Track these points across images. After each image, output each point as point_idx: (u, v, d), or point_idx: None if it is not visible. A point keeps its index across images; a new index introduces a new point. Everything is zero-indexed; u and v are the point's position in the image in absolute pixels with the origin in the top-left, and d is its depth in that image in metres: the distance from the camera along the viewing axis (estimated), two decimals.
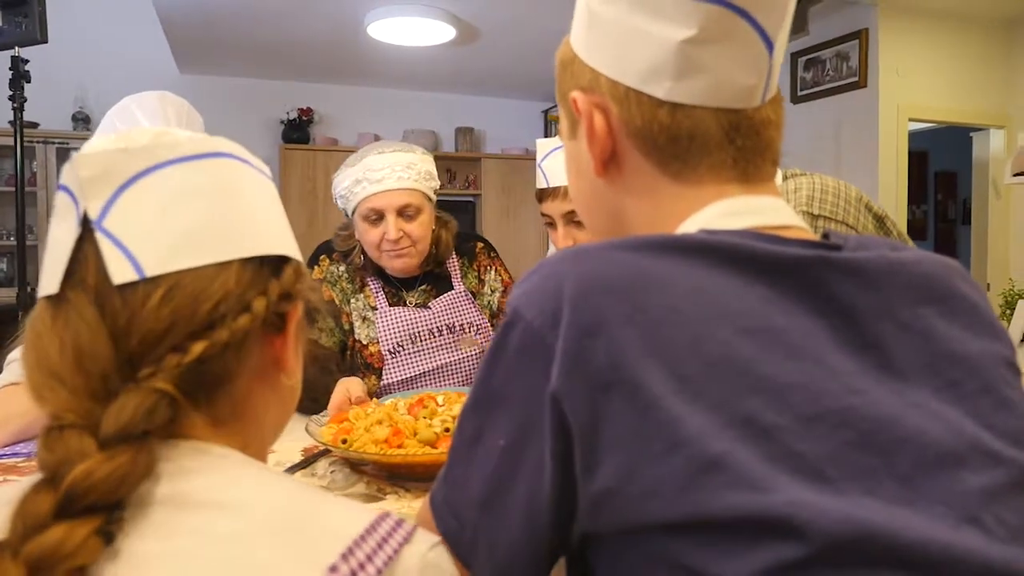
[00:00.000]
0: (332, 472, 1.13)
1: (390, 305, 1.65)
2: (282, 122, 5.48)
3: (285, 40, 4.55)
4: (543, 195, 1.42)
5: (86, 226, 0.49)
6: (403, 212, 1.56)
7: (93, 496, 0.42)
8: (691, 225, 0.60)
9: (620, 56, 0.60)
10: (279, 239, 0.57)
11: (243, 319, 0.51)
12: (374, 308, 1.64)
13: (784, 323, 0.51)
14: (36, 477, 0.44)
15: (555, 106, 6.12)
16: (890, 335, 0.53)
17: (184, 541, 0.44)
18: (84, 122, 4.93)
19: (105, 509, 0.43)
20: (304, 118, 5.51)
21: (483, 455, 0.54)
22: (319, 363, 1.47)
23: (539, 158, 1.43)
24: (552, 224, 1.44)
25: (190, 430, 0.50)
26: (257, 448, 0.59)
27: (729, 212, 0.59)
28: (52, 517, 0.41)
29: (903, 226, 3.68)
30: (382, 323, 1.63)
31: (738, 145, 0.60)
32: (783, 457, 0.46)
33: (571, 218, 1.38)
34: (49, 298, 0.49)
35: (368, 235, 1.57)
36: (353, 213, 1.60)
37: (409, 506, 0.98)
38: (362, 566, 0.44)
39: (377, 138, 5.69)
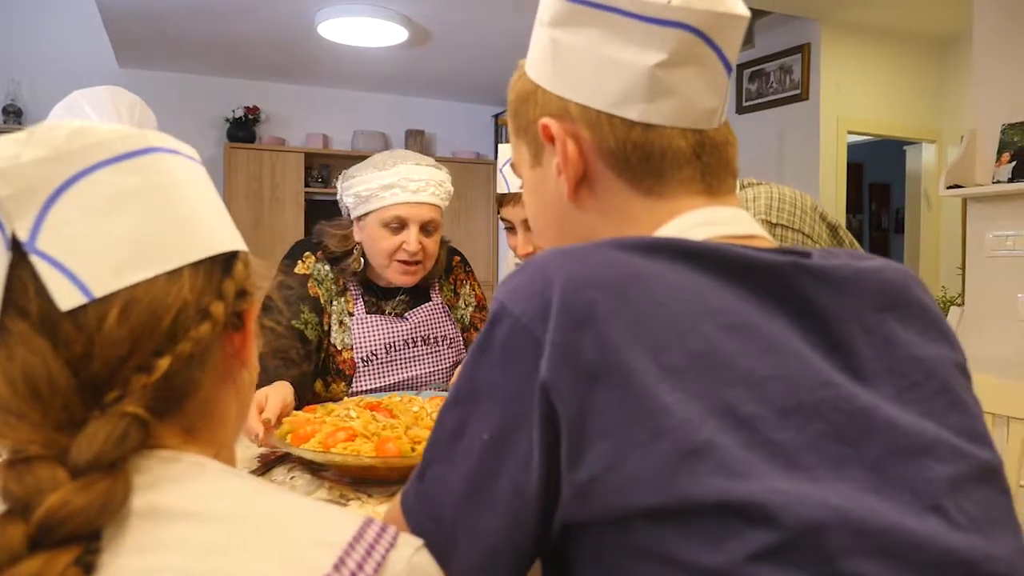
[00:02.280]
0: (292, 478, 1.11)
1: (367, 313, 1.63)
2: (227, 120, 5.35)
3: (232, 36, 4.45)
4: (504, 200, 1.42)
5: (17, 249, 0.45)
6: (425, 227, 1.55)
7: (70, 526, 0.40)
8: (665, 233, 0.62)
9: (590, 82, 0.63)
10: (224, 234, 0.54)
11: (204, 327, 0.49)
12: (351, 314, 1.62)
13: (761, 322, 0.53)
14: None
15: (505, 110, 6.12)
16: (857, 338, 0.56)
17: (167, 555, 0.42)
18: (16, 115, 4.73)
19: (83, 539, 0.41)
20: (250, 116, 5.39)
21: (464, 450, 0.54)
22: (280, 355, 1.43)
23: (501, 163, 1.44)
24: (512, 229, 1.44)
25: (161, 440, 0.49)
26: (228, 452, 0.58)
27: (700, 222, 0.62)
28: (26, 548, 0.39)
29: None
30: (358, 330, 1.60)
31: (704, 161, 0.64)
32: (761, 445, 0.48)
33: None
34: None
35: (384, 242, 1.53)
36: (366, 216, 1.55)
37: (373, 511, 0.97)
38: (353, 575, 0.44)
39: (326, 138, 5.62)
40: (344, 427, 1.11)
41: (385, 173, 1.51)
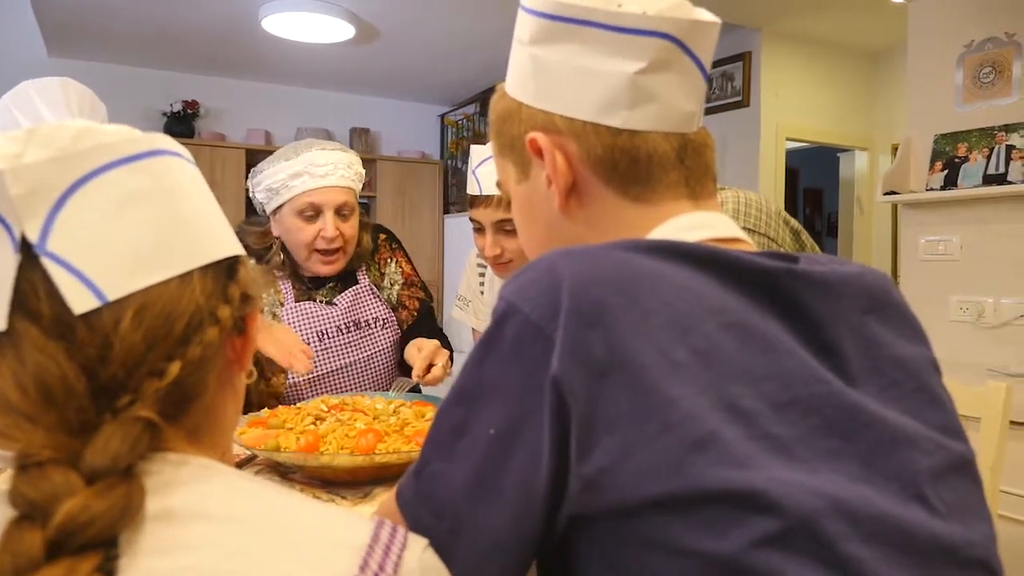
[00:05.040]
0: None
1: (296, 301, 1.61)
2: (164, 114, 5.18)
3: (171, 27, 4.31)
4: (475, 201, 1.42)
5: (27, 251, 0.44)
6: (340, 211, 1.54)
7: (90, 532, 0.40)
8: (657, 237, 0.64)
9: (574, 94, 0.66)
10: (227, 238, 0.54)
11: (212, 332, 0.49)
12: (282, 304, 1.60)
13: (757, 322, 0.55)
14: (2, 511, 0.41)
15: (452, 110, 6.12)
16: (844, 340, 0.59)
17: (188, 557, 0.42)
18: None
19: (102, 545, 0.40)
20: (189, 111, 5.23)
21: (468, 445, 0.55)
22: None
23: (473, 164, 1.43)
24: (480, 230, 1.44)
25: (168, 443, 0.48)
26: (229, 455, 0.58)
27: (687, 226, 0.65)
28: (45, 555, 0.39)
29: None
30: (290, 320, 1.59)
31: (687, 165, 0.67)
32: (761, 438, 0.50)
33: (501, 227, 1.40)
34: None
35: (301, 233, 1.53)
36: (280, 209, 1.54)
37: None
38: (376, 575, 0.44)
39: (268, 135, 5.50)
40: (367, 430, 1.10)
41: (291, 162, 1.51)
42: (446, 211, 6.05)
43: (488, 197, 1.38)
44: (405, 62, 4.97)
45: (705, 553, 0.48)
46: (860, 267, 0.65)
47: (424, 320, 1.73)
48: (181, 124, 5.19)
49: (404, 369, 1.69)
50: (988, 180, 2.49)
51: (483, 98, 5.73)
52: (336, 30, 4.19)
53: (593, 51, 0.65)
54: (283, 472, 1.11)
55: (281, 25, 4.11)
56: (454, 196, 6.04)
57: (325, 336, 1.60)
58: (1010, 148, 2.46)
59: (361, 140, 5.87)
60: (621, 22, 0.63)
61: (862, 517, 0.49)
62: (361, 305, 1.65)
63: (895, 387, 0.59)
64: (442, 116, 6.25)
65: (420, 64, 5.01)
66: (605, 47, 0.64)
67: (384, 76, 5.37)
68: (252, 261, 1.53)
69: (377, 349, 1.65)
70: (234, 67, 5.19)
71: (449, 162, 6.13)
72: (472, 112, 5.87)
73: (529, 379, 0.52)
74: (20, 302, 0.44)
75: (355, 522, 0.48)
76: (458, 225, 5.75)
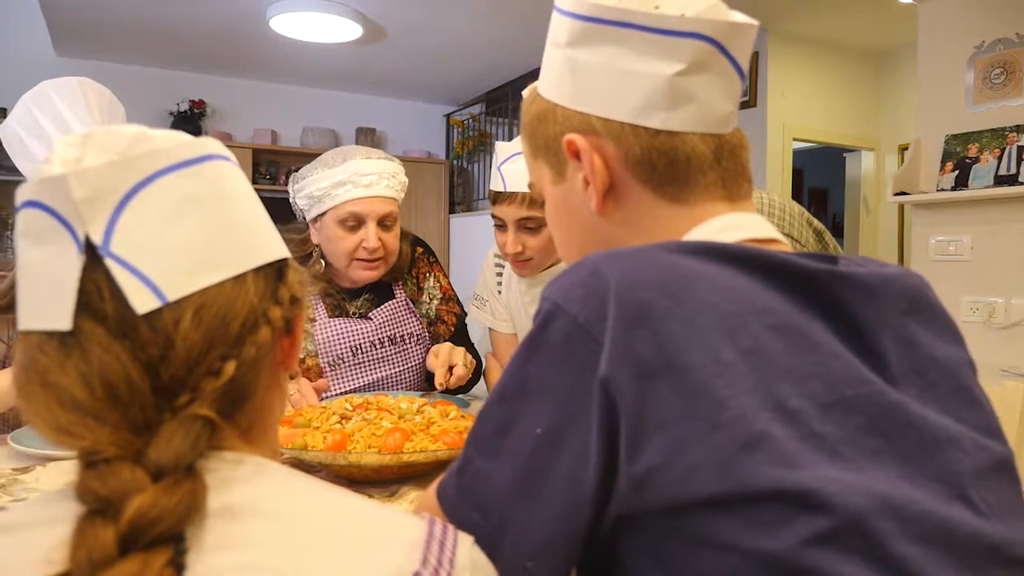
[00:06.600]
0: None
1: (330, 316, 1.59)
2: (171, 114, 5.20)
3: (178, 27, 4.32)
4: (499, 198, 1.42)
5: (91, 253, 0.45)
6: (383, 221, 1.53)
7: (161, 527, 0.41)
8: (695, 238, 0.64)
9: (612, 96, 0.66)
10: (275, 241, 0.55)
11: (264, 332, 0.50)
12: (313, 320, 1.59)
13: (802, 323, 0.56)
14: (67, 506, 0.42)
15: (457, 110, 6.13)
16: (885, 342, 0.59)
17: (251, 553, 0.43)
18: None
19: (171, 539, 0.41)
20: (196, 111, 5.25)
21: (514, 445, 0.55)
22: None
23: (499, 161, 1.43)
24: (502, 226, 1.44)
25: (224, 442, 0.49)
26: (277, 455, 0.58)
27: (724, 227, 0.65)
28: (118, 549, 0.40)
29: None
30: (322, 335, 1.57)
31: (724, 166, 0.67)
32: (808, 437, 0.51)
33: (524, 224, 1.39)
34: (52, 333, 0.45)
35: (343, 242, 1.51)
36: (321, 217, 1.53)
37: None
38: (436, 572, 0.45)
39: (275, 135, 5.51)
40: (394, 429, 1.10)
41: (336, 170, 1.49)
42: (451, 211, 6.06)
43: (512, 194, 1.38)
44: (411, 62, 4.98)
45: (755, 551, 0.48)
46: (899, 269, 0.65)
47: (458, 334, 1.72)
48: (188, 124, 5.20)
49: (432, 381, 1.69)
50: (999, 181, 2.50)
51: (488, 98, 5.74)
52: (343, 30, 4.20)
53: (631, 52, 0.65)
54: (306, 470, 1.11)
55: (288, 25, 4.12)
56: (459, 196, 6.04)
57: (359, 351, 1.59)
58: (1021, 149, 2.47)
59: (367, 140, 5.88)
60: (659, 24, 0.64)
61: (910, 516, 0.49)
62: (397, 320, 1.64)
63: (935, 388, 0.60)
64: (448, 116, 6.25)
65: (426, 64, 5.02)
66: (643, 49, 0.64)
67: (390, 76, 5.38)
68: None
69: (410, 364, 1.65)
70: (241, 67, 5.20)
71: (455, 162, 6.14)
72: (478, 112, 5.88)
73: (577, 380, 0.52)
74: (85, 303, 0.45)
75: (409, 519, 0.49)
76: (463, 225, 5.76)
